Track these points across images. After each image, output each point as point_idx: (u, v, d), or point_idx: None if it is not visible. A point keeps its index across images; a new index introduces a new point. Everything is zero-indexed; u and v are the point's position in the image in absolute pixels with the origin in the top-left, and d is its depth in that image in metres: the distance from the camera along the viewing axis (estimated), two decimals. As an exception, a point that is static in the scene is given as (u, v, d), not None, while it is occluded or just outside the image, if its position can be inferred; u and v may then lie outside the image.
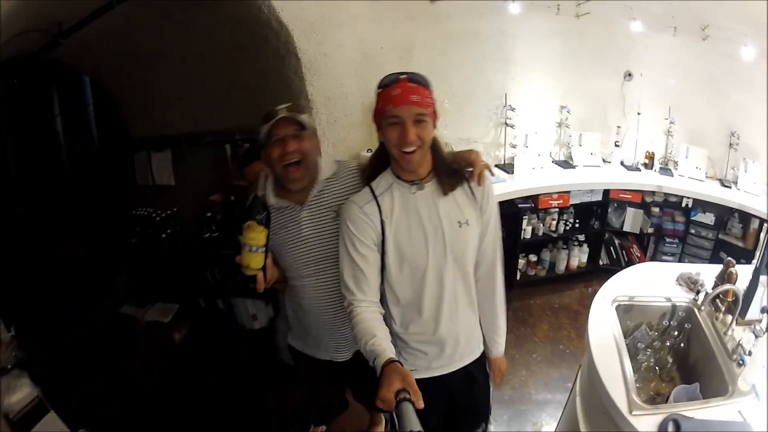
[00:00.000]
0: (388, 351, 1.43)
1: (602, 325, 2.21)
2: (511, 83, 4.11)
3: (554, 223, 4.13)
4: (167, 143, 4.15)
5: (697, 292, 2.34)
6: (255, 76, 3.55)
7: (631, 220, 4.10)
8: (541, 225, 4.13)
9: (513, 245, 4.13)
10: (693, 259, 3.82)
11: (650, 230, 4.04)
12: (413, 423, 1.17)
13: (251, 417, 3.13)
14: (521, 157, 4.05)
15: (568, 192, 3.99)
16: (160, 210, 4.03)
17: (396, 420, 1.73)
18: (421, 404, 1.24)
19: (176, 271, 3.86)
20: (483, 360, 1.96)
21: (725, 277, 2.27)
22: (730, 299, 2.17)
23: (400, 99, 1.52)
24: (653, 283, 2.50)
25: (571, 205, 4.10)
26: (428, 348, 1.79)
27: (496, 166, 4.20)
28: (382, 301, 1.72)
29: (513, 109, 4.08)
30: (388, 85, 1.55)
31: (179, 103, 4.03)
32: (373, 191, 1.67)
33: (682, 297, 2.37)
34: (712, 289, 2.24)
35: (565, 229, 4.18)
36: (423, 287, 1.70)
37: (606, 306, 2.34)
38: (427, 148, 1.61)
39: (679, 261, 3.84)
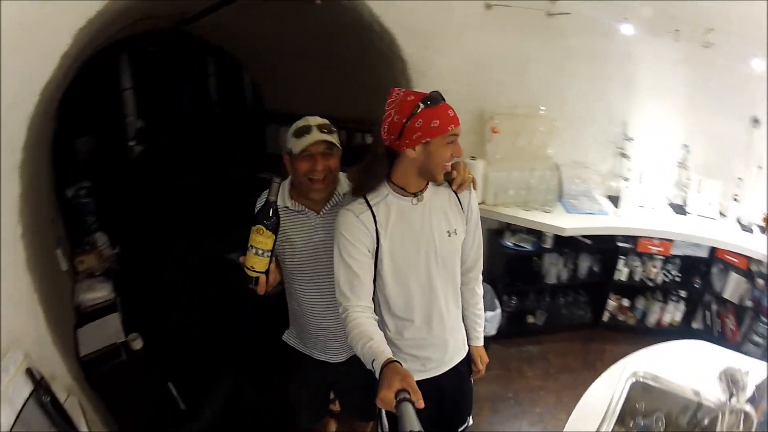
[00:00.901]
0: (386, 352, 1.45)
1: (600, 396, 2.04)
2: (631, 109, 3.77)
3: (655, 270, 3.74)
4: (294, 120, 4.54)
5: (730, 396, 1.91)
6: (364, 73, 3.77)
7: (732, 288, 3.49)
8: (640, 269, 3.77)
9: (605, 283, 3.88)
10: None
11: (749, 303, 3.41)
12: (413, 423, 1.18)
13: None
14: (630, 191, 3.72)
15: (671, 240, 3.60)
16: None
17: (385, 426, 1.87)
18: (421, 404, 1.25)
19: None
20: (468, 358, 2.04)
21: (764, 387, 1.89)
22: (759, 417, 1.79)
23: (456, 118, 1.60)
24: (695, 367, 2.16)
25: (675, 255, 3.69)
26: (421, 352, 1.85)
27: (608, 197, 3.88)
28: (375, 309, 1.75)
29: (630, 139, 3.75)
30: (438, 102, 1.59)
31: (305, 87, 4.39)
32: (368, 201, 1.71)
33: (714, 396, 1.97)
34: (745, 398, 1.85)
35: (663, 281, 3.77)
36: (416, 294, 1.77)
37: (621, 377, 2.12)
38: None
39: (769, 348, 3.22)
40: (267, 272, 1.67)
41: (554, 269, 3.90)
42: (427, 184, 1.74)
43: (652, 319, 3.90)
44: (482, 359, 2.11)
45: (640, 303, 3.92)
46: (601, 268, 3.94)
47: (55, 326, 2.31)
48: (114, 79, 5.19)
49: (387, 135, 1.63)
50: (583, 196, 3.81)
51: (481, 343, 2.11)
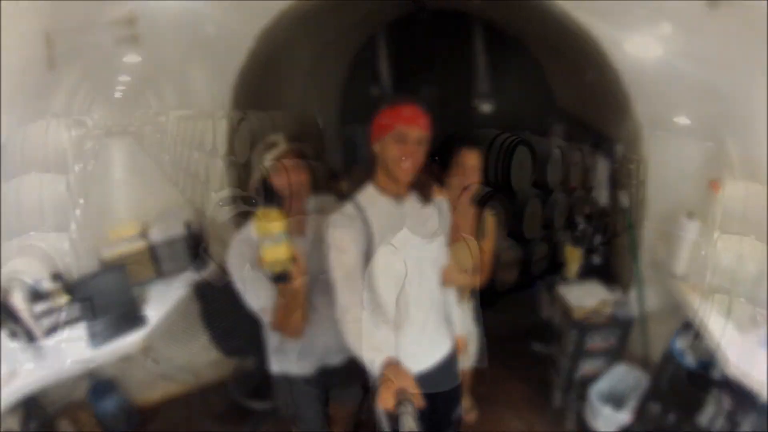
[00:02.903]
0: (387, 352, 1.46)
1: None
2: None
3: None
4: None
5: None
6: (579, 79, 3.26)
7: None
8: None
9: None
10: None
11: None
12: (413, 423, 1.18)
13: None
14: None
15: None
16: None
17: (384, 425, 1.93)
18: (421, 403, 1.26)
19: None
20: (454, 353, 2.07)
21: None
22: None
23: (410, 119, 1.64)
24: None
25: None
26: (412, 349, 1.86)
27: None
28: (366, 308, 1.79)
29: None
30: (396, 105, 1.67)
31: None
32: (357, 204, 1.74)
33: None
34: None
35: None
36: (405, 294, 1.79)
37: None
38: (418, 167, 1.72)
39: None
40: (294, 259, 1.50)
41: (712, 409, 2.59)
42: (418, 188, 1.81)
43: None
44: (463, 342, 2.21)
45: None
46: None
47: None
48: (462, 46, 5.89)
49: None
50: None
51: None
